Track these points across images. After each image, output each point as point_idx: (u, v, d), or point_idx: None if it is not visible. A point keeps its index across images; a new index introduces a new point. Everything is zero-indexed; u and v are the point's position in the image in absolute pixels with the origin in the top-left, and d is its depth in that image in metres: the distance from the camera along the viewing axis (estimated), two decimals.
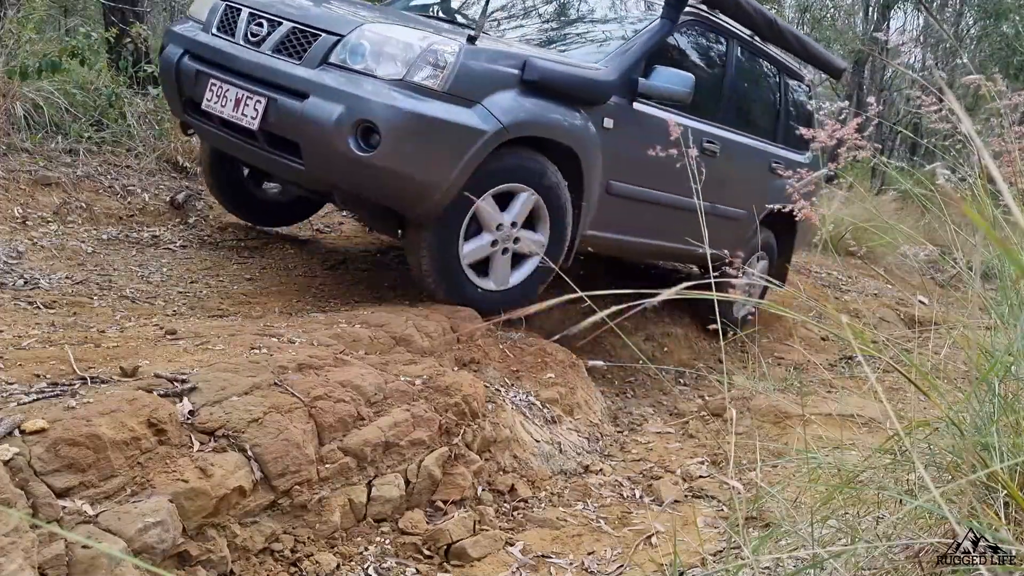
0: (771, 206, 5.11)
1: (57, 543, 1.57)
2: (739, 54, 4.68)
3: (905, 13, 15.98)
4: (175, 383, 2.08)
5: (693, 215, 4.14)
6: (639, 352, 4.30)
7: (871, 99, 2.13)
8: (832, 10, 15.69)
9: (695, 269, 5.37)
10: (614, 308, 0.95)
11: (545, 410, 3.16)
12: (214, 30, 3.39)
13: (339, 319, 2.98)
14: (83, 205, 3.95)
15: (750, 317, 5.30)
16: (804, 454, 1.75)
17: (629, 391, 4.13)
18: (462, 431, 2.62)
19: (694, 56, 4.45)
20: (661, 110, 3.89)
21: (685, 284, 1.09)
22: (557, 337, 3.76)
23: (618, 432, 3.49)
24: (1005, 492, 1.26)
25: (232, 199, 4.29)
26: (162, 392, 2.00)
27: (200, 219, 4.47)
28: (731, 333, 4.78)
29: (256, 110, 3.05)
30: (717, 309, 1.71)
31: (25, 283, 3.04)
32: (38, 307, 2.79)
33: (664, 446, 3.32)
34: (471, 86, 3.05)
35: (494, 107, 3.10)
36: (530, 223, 3.47)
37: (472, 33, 3.13)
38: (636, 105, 3.78)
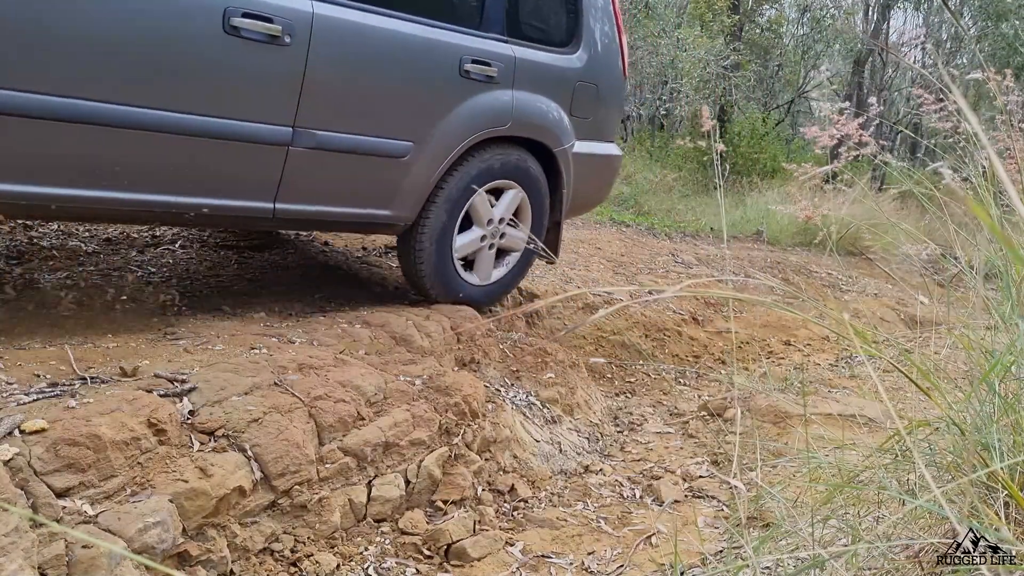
0: (473, 136, 3.07)
1: (57, 543, 1.57)
2: None
3: (905, 13, 15.99)
4: (175, 383, 2.08)
5: (224, 147, 2.51)
6: (640, 351, 4.29)
7: (872, 99, 2.12)
8: (832, 10, 15.70)
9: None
10: (613, 307, 0.95)
11: (545, 410, 3.16)
12: None
13: (339, 319, 2.98)
14: None
15: (491, 297, 3.60)
16: (804, 454, 1.75)
17: (629, 391, 4.13)
18: (462, 431, 2.62)
19: None
20: None
21: (688, 285, 1.08)
22: (561, 334, 3.75)
23: (618, 432, 3.49)
24: (1005, 492, 1.26)
25: None
26: (162, 392, 2.00)
27: None
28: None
29: None
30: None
31: (25, 283, 3.04)
32: (38, 307, 2.78)
33: (664, 446, 3.32)
34: None
35: None
36: None
37: None
38: None
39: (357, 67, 2.79)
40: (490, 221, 3.39)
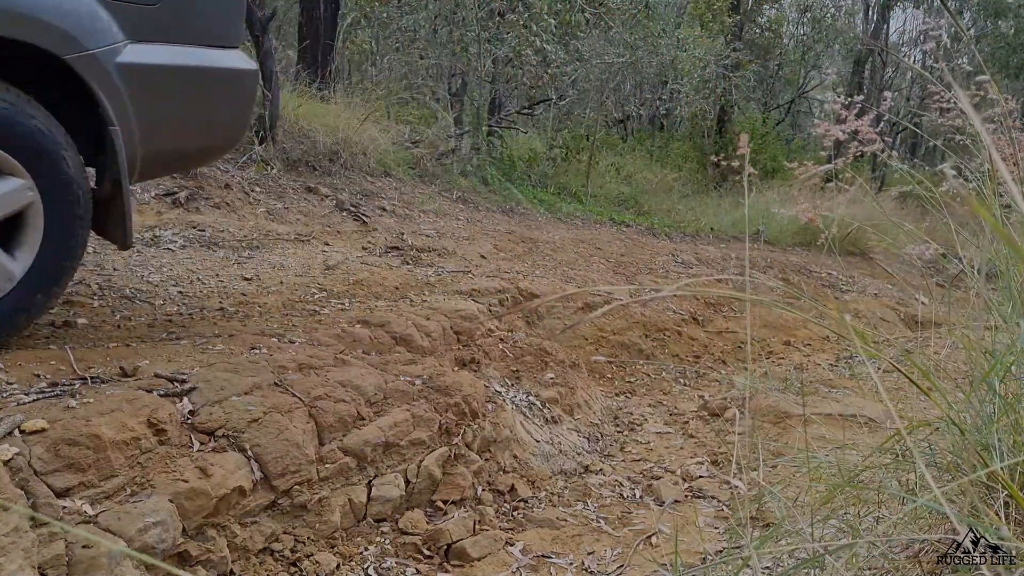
0: None
1: (57, 543, 1.57)
2: None
3: (905, 12, 16.00)
4: (175, 383, 2.07)
5: None
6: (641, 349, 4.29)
7: (887, 93, 2.12)
8: (832, 10, 15.70)
9: None
10: (611, 306, 0.95)
11: (545, 410, 3.16)
12: None
13: (339, 319, 2.98)
14: None
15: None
16: (805, 454, 1.75)
17: (629, 391, 4.13)
18: (462, 431, 2.62)
19: None
20: None
21: (689, 280, 1.08)
22: (560, 334, 3.76)
23: (618, 432, 3.49)
24: (1005, 492, 1.26)
25: None
26: (162, 392, 2.00)
27: (202, 219, 4.47)
28: None
29: None
30: None
31: None
32: None
33: (664, 446, 3.32)
34: None
35: None
36: None
37: None
38: None
39: None
40: None
